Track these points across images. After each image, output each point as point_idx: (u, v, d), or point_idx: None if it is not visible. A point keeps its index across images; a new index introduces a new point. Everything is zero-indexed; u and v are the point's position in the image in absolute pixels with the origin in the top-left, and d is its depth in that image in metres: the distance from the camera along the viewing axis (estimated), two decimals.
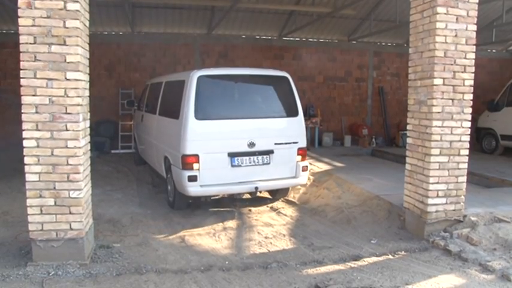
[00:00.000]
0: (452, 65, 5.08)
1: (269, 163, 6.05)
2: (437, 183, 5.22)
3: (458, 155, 5.26)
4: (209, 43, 12.80)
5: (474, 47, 5.18)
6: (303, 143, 6.36)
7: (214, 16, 11.69)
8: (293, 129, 6.29)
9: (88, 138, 4.49)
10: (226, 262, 4.50)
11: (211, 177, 5.72)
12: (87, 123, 4.46)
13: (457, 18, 5.03)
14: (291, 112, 6.31)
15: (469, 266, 4.48)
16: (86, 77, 4.35)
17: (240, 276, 4.18)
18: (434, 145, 5.15)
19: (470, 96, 5.22)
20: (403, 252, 4.88)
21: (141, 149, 8.92)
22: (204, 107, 5.74)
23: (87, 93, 4.40)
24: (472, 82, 5.20)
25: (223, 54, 12.86)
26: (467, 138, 5.28)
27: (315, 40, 14.04)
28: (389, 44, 14.90)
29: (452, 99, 5.14)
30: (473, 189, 6.43)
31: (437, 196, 5.24)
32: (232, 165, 5.85)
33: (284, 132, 6.21)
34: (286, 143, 6.14)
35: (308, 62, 13.68)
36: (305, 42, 13.90)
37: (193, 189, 5.65)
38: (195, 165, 5.62)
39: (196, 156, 5.64)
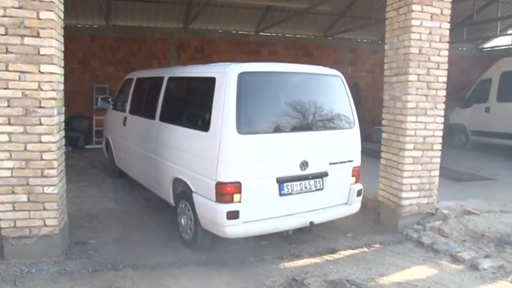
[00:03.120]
0: (426, 61, 5.20)
1: (322, 188, 4.62)
2: (411, 177, 5.35)
3: (432, 149, 5.39)
4: (185, 38, 12.70)
5: (447, 44, 5.31)
6: (358, 161, 4.98)
7: (190, 10, 11.59)
8: (348, 144, 4.90)
9: (63, 133, 4.40)
10: (204, 257, 4.50)
11: (255, 211, 4.22)
12: (62, 118, 4.38)
13: (431, 16, 5.15)
14: (346, 122, 4.88)
15: (440, 257, 4.62)
16: (61, 70, 4.26)
17: (218, 270, 4.19)
18: (409, 140, 5.27)
19: (444, 93, 5.35)
20: (377, 245, 4.99)
21: (121, 159, 7.17)
22: (248, 116, 4.20)
23: (61, 86, 4.31)
24: (445, 79, 5.33)
25: (200, 49, 12.78)
26: (440, 133, 5.43)
27: (291, 36, 14.10)
28: (364, 41, 15.09)
29: (426, 95, 5.26)
30: (445, 183, 6.59)
31: (411, 190, 5.37)
32: (281, 194, 4.35)
33: (339, 149, 4.80)
34: (341, 162, 4.78)
35: (284, 58, 13.70)
36: (281, 37, 13.95)
37: (234, 230, 4.10)
38: (236, 197, 4.09)
39: (239, 184, 4.10)
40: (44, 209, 4.09)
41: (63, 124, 4.41)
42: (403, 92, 5.26)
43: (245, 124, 4.13)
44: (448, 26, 5.28)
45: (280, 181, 4.34)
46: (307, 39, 14.26)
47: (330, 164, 4.66)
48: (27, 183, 4.02)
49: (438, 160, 5.48)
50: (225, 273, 4.13)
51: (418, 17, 5.11)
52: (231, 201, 4.08)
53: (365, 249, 4.88)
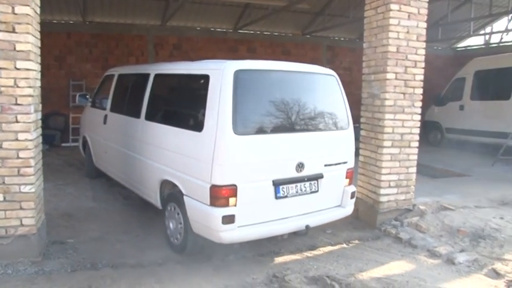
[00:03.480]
0: (404, 60, 5.28)
1: (317, 191, 4.47)
2: (389, 174, 5.44)
3: (409, 146, 5.49)
4: (163, 34, 12.58)
5: (424, 43, 5.41)
6: (352, 163, 4.86)
7: (168, 7, 11.49)
8: (343, 145, 4.77)
9: (40, 131, 4.31)
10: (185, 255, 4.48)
11: (250, 215, 4.04)
12: (39, 115, 4.29)
13: (409, 16, 5.24)
14: (341, 123, 4.74)
15: (418, 252, 4.72)
16: (38, 67, 4.17)
17: (199, 268, 4.18)
18: (387, 137, 5.35)
19: (421, 91, 5.46)
20: (356, 241, 5.05)
21: (100, 159, 6.88)
22: (245, 116, 4.00)
23: (38, 83, 4.22)
24: (422, 77, 5.43)
25: (178, 46, 12.69)
26: (417, 130, 5.53)
27: (269, 34, 14.12)
28: (342, 39, 15.23)
29: (404, 93, 5.35)
30: (421, 180, 6.72)
31: (389, 186, 5.46)
32: (277, 197, 4.18)
33: (334, 150, 4.65)
34: (336, 164, 4.64)
35: (262, 55, 13.73)
36: (260, 35, 13.96)
37: (229, 235, 3.91)
38: (232, 200, 3.90)
39: (234, 187, 3.90)
40: (21, 208, 4.00)
41: (40, 121, 4.32)
42: (381, 90, 5.34)
43: (241, 124, 3.93)
44: (424, 25, 5.38)
45: (276, 184, 4.17)
46: (285, 37, 14.31)
47: (325, 165, 4.53)
48: (3, 182, 3.92)
49: (415, 157, 5.59)
50: (206, 271, 4.12)
51: (396, 16, 5.19)
52: (227, 205, 3.88)
53: (344, 245, 4.95)
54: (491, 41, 16.13)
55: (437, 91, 12.51)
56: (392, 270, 4.25)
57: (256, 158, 4.04)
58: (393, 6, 5.16)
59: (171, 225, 4.61)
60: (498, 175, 8.14)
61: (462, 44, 16.95)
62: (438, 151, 11.36)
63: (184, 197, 4.24)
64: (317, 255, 4.63)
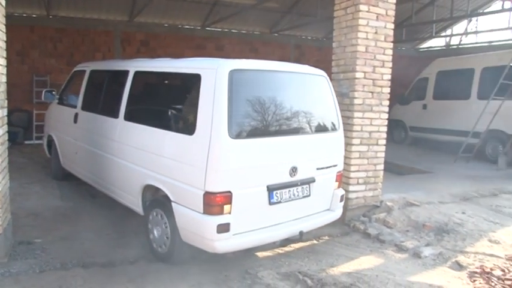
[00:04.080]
0: (372, 60, 5.41)
1: (309, 195, 4.35)
2: (358, 171, 5.56)
3: (377, 144, 5.63)
4: (130, 31, 12.37)
5: (392, 44, 5.55)
6: (341, 166, 4.79)
7: (136, 3, 11.30)
8: (333, 148, 4.66)
9: (6, 128, 4.18)
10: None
11: (244, 222, 3.87)
12: (5, 112, 4.15)
13: (377, 17, 5.37)
14: (331, 125, 4.63)
15: (386, 247, 4.85)
16: (3, 62, 4.03)
17: (171, 266, 4.16)
18: (356, 135, 5.47)
19: (388, 90, 5.61)
20: (326, 237, 5.14)
21: (69, 160, 6.45)
22: (240, 118, 3.80)
23: (4, 79, 4.08)
24: (389, 76, 5.58)
25: (145, 42, 12.51)
26: (385, 129, 5.68)
27: (237, 31, 14.12)
28: (309, 38, 15.40)
29: (372, 92, 5.48)
30: (388, 177, 6.88)
31: (358, 183, 5.58)
32: (271, 203, 4.02)
33: (325, 153, 4.55)
34: (327, 167, 4.53)
35: (230, 53, 13.72)
36: (228, 33, 13.93)
37: (224, 244, 3.73)
38: (226, 208, 3.70)
39: (229, 194, 3.70)
40: None
41: (6, 118, 4.19)
42: (351, 89, 5.45)
43: (237, 128, 3.73)
44: (392, 26, 5.53)
45: (270, 189, 4.00)
46: (253, 35, 14.35)
47: (317, 169, 4.40)
48: None
49: (383, 155, 5.74)
50: (178, 269, 4.10)
51: (365, 16, 5.30)
52: (221, 212, 3.67)
53: (315, 241, 5.02)
54: (452, 43, 16.69)
55: (401, 90, 12.84)
56: (362, 265, 4.35)
57: (251, 163, 3.84)
58: (362, 7, 5.27)
59: (155, 232, 4.33)
60: (459, 172, 8.45)
61: (425, 45, 17.45)
62: (402, 149, 11.69)
63: (173, 204, 4.00)
64: (288, 251, 4.68)
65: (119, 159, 4.87)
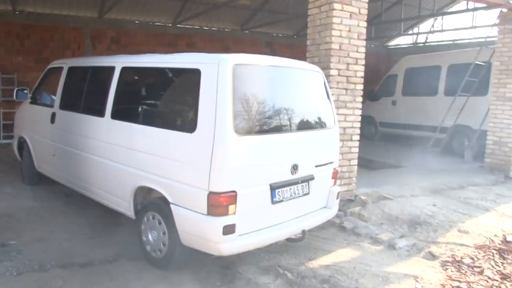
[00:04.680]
0: (346, 57, 5.52)
1: (308, 193, 4.28)
2: None
3: (351, 140, 5.76)
4: (101, 28, 12.16)
5: (364, 41, 5.69)
6: (337, 163, 4.75)
7: None
8: (330, 144, 4.62)
9: None
10: (136, 252, 4.41)
11: (248, 222, 3.73)
12: None
13: (350, 15, 5.48)
14: (328, 121, 4.57)
15: (362, 239, 4.98)
16: None
17: (146, 266, 4.13)
18: None
19: (361, 87, 5.74)
20: None
21: (45, 162, 6.06)
22: (244, 114, 3.65)
23: None
24: (362, 74, 5.71)
25: (116, 39, 12.32)
26: (359, 125, 5.82)
27: (209, 28, 14.09)
28: (280, 35, 15.51)
29: (346, 89, 5.60)
30: (360, 171, 7.03)
31: None
32: (273, 202, 3.90)
33: (323, 150, 4.51)
34: (325, 164, 4.47)
35: (202, 50, 13.63)
36: (199, 30, 13.89)
37: (230, 246, 3.59)
38: (231, 208, 3.55)
39: (234, 193, 3.55)
40: None
41: None
42: None
43: (241, 124, 3.57)
44: (365, 24, 5.66)
45: (273, 187, 3.88)
46: (224, 32, 14.34)
47: (316, 166, 4.34)
48: None
49: (357, 150, 5.88)
50: (157, 269, 4.08)
51: (338, 15, 5.41)
52: (226, 213, 3.51)
53: (293, 236, 5.09)
54: (418, 41, 17.15)
55: (371, 87, 13.10)
56: (340, 258, 4.46)
57: (255, 161, 3.71)
58: (336, 6, 5.37)
59: (150, 237, 4.11)
60: (428, 166, 8.70)
61: (392, 43, 17.86)
62: (373, 144, 11.95)
63: (172, 206, 3.80)
64: (267, 246, 4.74)
65: (106, 160, 4.62)
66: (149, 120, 4.22)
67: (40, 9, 11.49)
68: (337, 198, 4.74)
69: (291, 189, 4.08)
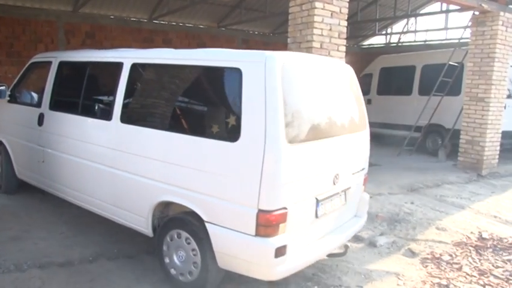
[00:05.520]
0: (327, 56, 5.54)
1: (345, 203, 3.91)
2: None
3: None
4: (75, 22, 11.82)
5: (345, 40, 5.73)
6: (367, 167, 4.38)
7: None
8: (363, 148, 4.23)
9: None
10: (115, 250, 4.33)
11: (296, 241, 3.34)
12: None
13: (331, 14, 5.51)
14: (362, 123, 4.19)
15: None
16: None
17: (134, 263, 4.07)
18: None
19: None
20: None
21: (30, 170, 5.40)
22: (294, 119, 3.17)
23: None
24: None
25: (91, 34, 12.03)
26: None
27: (185, 25, 13.94)
28: (256, 33, 15.48)
29: None
30: None
31: None
32: (317, 215, 3.51)
33: (358, 155, 4.10)
34: (359, 171, 4.12)
35: (178, 47, 13.47)
36: (175, 26, 13.71)
37: (281, 269, 3.17)
38: (282, 227, 3.11)
39: (285, 210, 3.12)
40: None
41: None
42: None
43: (293, 130, 3.12)
44: (345, 23, 5.70)
45: (318, 200, 3.49)
46: (201, 29, 14.22)
47: (352, 174, 3.98)
48: None
49: None
50: (139, 267, 4.02)
51: (320, 13, 5.43)
52: (277, 233, 3.08)
53: None
54: (392, 41, 17.43)
55: None
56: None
57: (304, 171, 3.29)
58: (317, 4, 5.39)
59: (175, 258, 3.63)
60: (404, 164, 8.87)
61: (366, 42, 18.09)
62: None
63: (207, 225, 3.34)
64: None
65: (115, 169, 4.06)
66: (173, 126, 3.70)
67: (11, 2, 11.08)
68: (368, 205, 4.40)
69: (331, 200, 3.69)
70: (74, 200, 4.72)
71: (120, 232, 4.58)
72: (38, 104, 5.21)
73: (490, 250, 4.80)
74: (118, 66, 4.15)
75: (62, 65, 5.15)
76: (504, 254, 4.73)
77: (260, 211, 3.05)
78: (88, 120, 4.47)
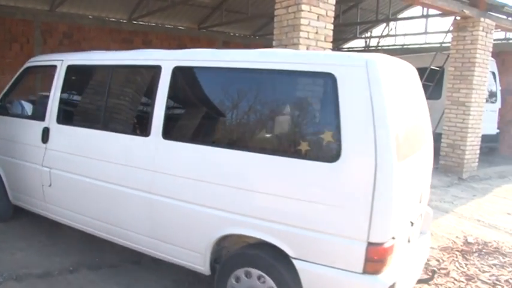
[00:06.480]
0: None
1: (420, 221, 3.55)
2: None
3: None
4: (52, 21, 11.56)
5: (331, 44, 5.70)
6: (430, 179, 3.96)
7: None
8: (430, 160, 3.85)
9: None
10: (97, 259, 4.17)
11: (398, 272, 2.82)
12: None
13: (318, 17, 5.47)
14: (429, 133, 3.86)
15: None
16: None
17: (116, 272, 3.93)
18: None
19: None
20: None
21: (30, 194, 4.54)
22: (398, 132, 2.69)
23: None
24: None
25: (69, 34, 11.77)
26: None
27: (165, 26, 13.79)
28: (237, 35, 15.43)
29: None
30: None
31: None
32: (409, 241, 3.12)
33: (429, 168, 3.75)
34: (428, 185, 3.78)
35: (158, 48, 13.34)
36: (155, 27, 13.57)
37: None
38: (389, 260, 2.65)
39: (394, 241, 2.66)
40: None
41: None
42: None
43: (399, 145, 2.64)
44: (331, 26, 5.68)
45: (412, 224, 3.08)
46: (181, 30, 14.10)
47: (426, 188, 3.60)
48: None
49: None
50: (124, 278, 3.87)
51: (306, 16, 5.38)
52: (385, 267, 2.62)
53: None
54: (371, 44, 17.60)
55: None
56: None
57: (406, 192, 2.85)
58: (304, 7, 5.34)
59: None
60: None
61: (347, 46, 18.20)
62: None
63: (296, 262, 2.81)
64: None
65: (155, 196, 3.41)
66: (243, 144, 3.11)
67: None
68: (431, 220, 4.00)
69: (417, 221, 3.30)
70: (97, 232, 3.99)
71: (101, 239, 4.41)
72: (41, 117, 4.36)
73: (476, 254, 4.81)
74: (154, 70, 3.52)
75: (72, 69, 4.31)
76: (489, 258, 4.75)
77: (370, 244, 2.57)
78: (115, 136, 3.75)
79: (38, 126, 4.35)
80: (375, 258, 2.57)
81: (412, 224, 3.08)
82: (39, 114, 4.45)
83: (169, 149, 3.33)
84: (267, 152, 2.95)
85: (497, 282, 4.16)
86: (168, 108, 3.38)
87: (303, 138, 2.86)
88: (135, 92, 3.94)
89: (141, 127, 3.57)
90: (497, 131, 11.17)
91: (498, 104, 11.13)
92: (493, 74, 10.53)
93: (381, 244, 2.56)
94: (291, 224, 2.79)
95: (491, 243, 5.15)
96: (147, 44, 13.13)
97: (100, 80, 4.18)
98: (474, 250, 4.92)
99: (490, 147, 10.80)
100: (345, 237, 2.63)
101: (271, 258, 2.88)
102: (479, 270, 4.41)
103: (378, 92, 2.57)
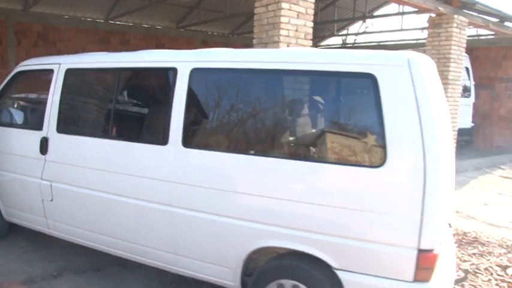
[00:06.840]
0: None
1: None
2: None
3: None
4: (26, 21, 11.29)
5: (311, 41, 5.74)
6: None
7: None
8: None
9: None
10: (81, 264, 4.13)
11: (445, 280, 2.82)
12: None
13: (298, 15, 5.51)
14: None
15: None
16: None
17: (101, 277, 3.89)
18: None
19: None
20: None
21: (25, 210, 4.25)
22: (441, 133, 2.62)
23: None
24: None
25: (43, 35, 11.53)
26: None
27: (143, 26, 13.65)
28: (216, 33, 15.38)
29: None
30: None
31: None
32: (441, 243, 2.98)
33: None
34: None
35: (136, 48, 13.09)
36: (133, 27, 13.42)
37: None
38: (437, 266, 2.59)
39: (441, 246, 2.63)
40: None
41: None
42: None
43: (443, 146, 2.57)
44: (311, 24, 5.72)
45: (450, 226, 3.03)
46: (159, 30, 13.98)
47: None
48: None
49: None
50: (110, 281, 3.84)
51: (286, 14, 5.41)
52: (433, 275, 2.54)
53: None
54: (348, 42, 17.77)
55: None
56: None
57: (449, 194, 2.76)
58: (284, 5, 5.37)
59: None
60: None
61: (324, 43, 18.33)
62: None
63: (339, 273, 2.69)
64: None
65: (176, 208, 3.18)
66: (277, 149, 2.94)
67: None
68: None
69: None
70: (109, 249, 3.72)
71: None
72: (37, 126, 4.02)
73: (456, 245, 4.93)
74: (168, 73, 3.32)
75: (72, 73, 3.94)
76: (469, 248, 4.88)
77: (421, 251, 2.47)
78: (128, 145, 3.51)
79: (34, 136, 4.00)
80: (425, 266, 2.50)
81: (449, 226, 3.00)
82: (35, 123, 4.13)
83: (192, 158, 3.13)
84: (305, 159, 2.84)
85: (477, 271, 4.29)
86: (187, 113, 3.15)
87: (344, 143, 2.75)
88: (146, 96, 3.71)
89: (158, 135, 3.34)
90: (472, 124, 11.44)
91: (472, 99, 11.40)
92: (467, 69, 10.78)
93: (431, 251, 2.48)
94: (333, 234, 2.68)
95: (470, 233, 5.28)
96: (125, 45, 12.99)
97: (105, 85, 3.94)
98: (455, 241, 5.03)
99: (465, 140, 11.04)
100: (394, 245, 2.53)
101: (313, 269, 2.75)
102: (460, 260, 4.53)
103: (422, 91, 2.48)
